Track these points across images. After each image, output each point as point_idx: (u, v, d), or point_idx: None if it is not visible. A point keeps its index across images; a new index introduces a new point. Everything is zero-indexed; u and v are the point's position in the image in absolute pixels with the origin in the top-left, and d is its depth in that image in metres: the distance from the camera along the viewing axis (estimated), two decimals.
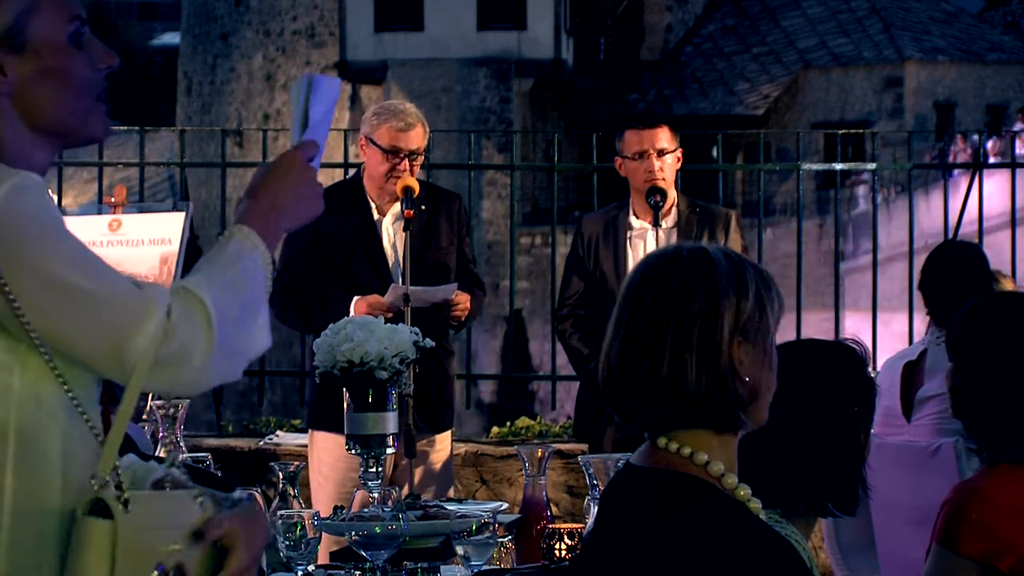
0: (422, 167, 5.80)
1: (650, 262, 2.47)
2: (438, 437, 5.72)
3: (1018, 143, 18.75)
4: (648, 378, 2.40)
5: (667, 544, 2.36)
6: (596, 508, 3.68)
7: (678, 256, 2.45)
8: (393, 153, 5.60)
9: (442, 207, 5.76)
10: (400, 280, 5.56)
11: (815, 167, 9.63)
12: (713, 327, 2.39)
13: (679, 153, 6.05)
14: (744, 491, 2.43)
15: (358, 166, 6.02)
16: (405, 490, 4.94)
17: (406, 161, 5.60)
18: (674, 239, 5.92)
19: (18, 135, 2.34)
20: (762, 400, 2.45)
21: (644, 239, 5.97)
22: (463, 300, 5.60)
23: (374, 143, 5.63)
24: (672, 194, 6.01)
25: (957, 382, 3.41)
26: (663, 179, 5.92)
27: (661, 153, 5.94)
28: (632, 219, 6.03)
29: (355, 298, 5.53)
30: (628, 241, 6.01)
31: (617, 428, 5.82)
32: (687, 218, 6.01)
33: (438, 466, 5.72)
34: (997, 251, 7.41)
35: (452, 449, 5.89)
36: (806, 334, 8.52)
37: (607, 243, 6.02)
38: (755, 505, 2.44)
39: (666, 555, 2.35)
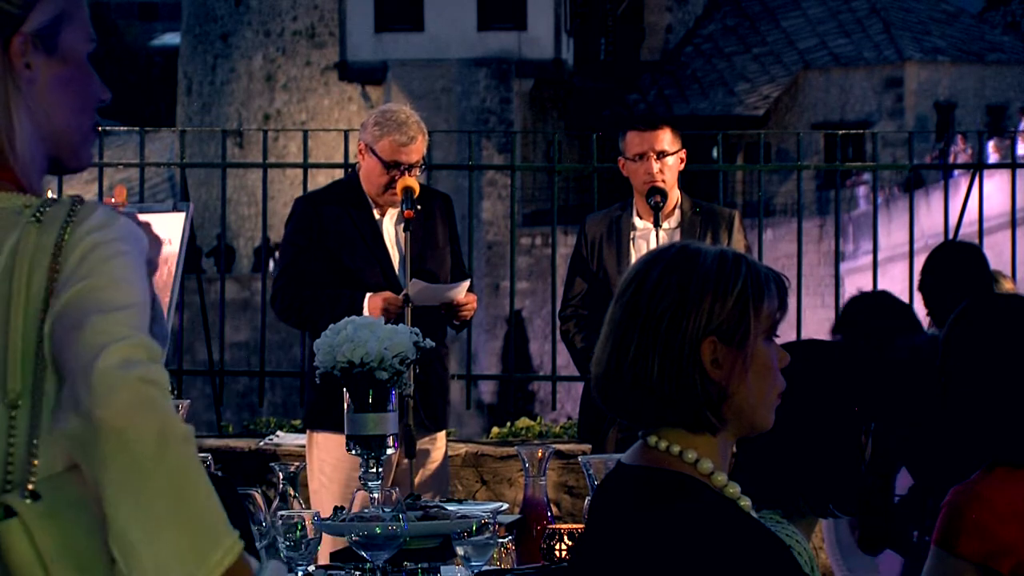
0: (422, 169, 5.80)
1: (640, 260, 2.49)
2: (438, 436, 5.73)
3: (1020, 143, 18.74)
4: (616, 374, 2.41)
5: (658, 541, 2.36)
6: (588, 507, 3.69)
7: (664, 254, 2.46)
8: (394, 167, 5.60)
9: (436, 208, 5.77)
10: (403, 280, 5.56)
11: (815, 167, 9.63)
12: (678, 325, 2.39)
13: (682, 154, 6.05)
14: (734, 488, 2.43)
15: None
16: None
17: (406, 173, 5.61)
18: (677, 239, 5.92)
19: (30, 144, 2.31)
20: (739, 403, 2.43)
21: (647, 239, 5.97)
22: (471, 300, 5.61)
23: (375, 153, 5.62)
24: (675, 195, 6.02)
25: (947, 384, 3.41)
26: (662, 181, 5.92)
27: (661, 155, 5.94)
28: (635, 219, 6.03)
29: (367, 295, 5.53)
30: (632, 241, 6.01)
31: (620, 429, 5.82)
32: (690, 219, 6.01)
33: (436, 465, 5.72)
34: (997, 251, 7.41)
35: (452, 451, 5.89)
36: (806, 334, 8.53)
37: (610, 243, 6.03)
38: (745, 503, 2.44)
39: (657, 552, 2.36)
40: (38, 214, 2.21)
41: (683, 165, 6.08)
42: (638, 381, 2.40)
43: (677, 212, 6.03)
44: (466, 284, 5.60)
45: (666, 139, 5.97)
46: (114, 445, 2.00)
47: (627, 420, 2.48)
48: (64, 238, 2.15)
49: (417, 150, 5.64)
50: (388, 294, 5.50)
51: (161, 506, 2.01)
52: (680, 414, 2.41)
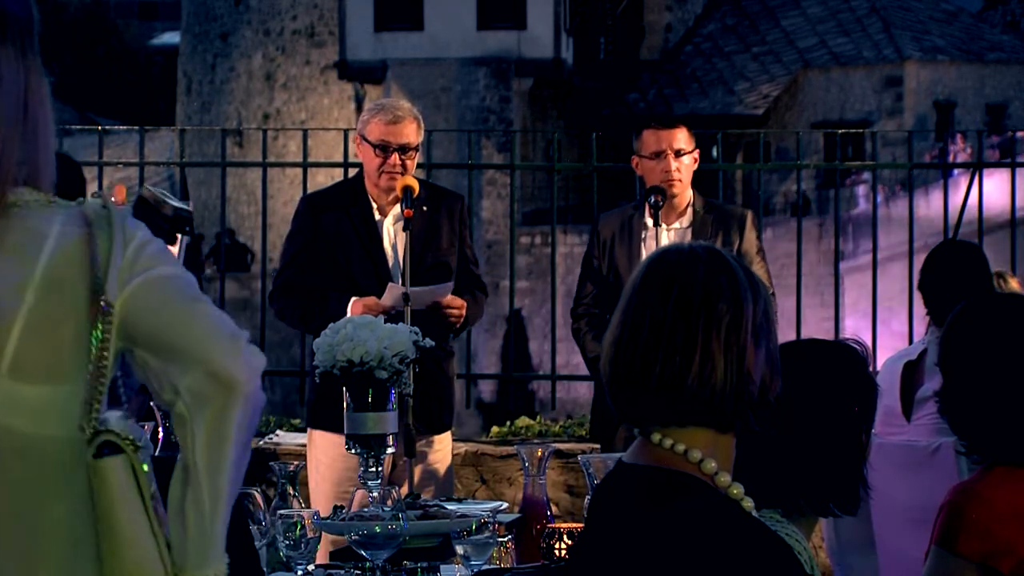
0: (421, 166, 5.79)
1: (668, 258, 2.45)
2: (437, 438, 5.72)
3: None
4: (673, 376, 2.38)
5: (659, 541, 2.36)
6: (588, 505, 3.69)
7: (696, 254, 2.44)
8: (383, 148, 5.59)
9: (444, 207, 5.75)
10: (400, 280, 5.55)
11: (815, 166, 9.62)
12: (738, 328, 2.39)
13: (696, 154, 6.06)
14: (737, 489, 2.43)
15: (358, 165, 6.03)
16: (404, 489, 4.94)
17: (396, 155, 5.59)
18: (689, 239, 5.91)
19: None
20: (768, 402, 2.45)
21: (659, 240, 5.96)
22: (458, 304, 5.59)
23: (366, 140, 5.64)
24: (688, 194, 6.03)
25: (946, 383, 3.41)
26: (679, 180, 5.94)
27: (679, 154, 5.95)
28: (647, 219, 6.02)
29: (352, 299, 5.53)
30: (643, 241, 6.01)
31: (629, 428, 5.81)
32: (702, 218, 6.01)
33: (438, 467, 5.71)
34: (997, 251, 7.41)
35: (452, 451, 5.88)
36: (806, 334, 8.53)
37: (623, 243, 6.03)
38: (748, 504, 2.44)
39: (658, 552, 2.35)
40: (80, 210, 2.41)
41: (696, 164, 6.08)
42: (703, 385, 2.38)
43: (689, 211, 6.03)
44: (450, 286, 5.59)
45: (682, 138, 5.99)
46: (243, 402, 2.40)
47: (630, 417, 2.46)
48: (112, 233, 2.40)
49: (406, 131, 5.62)
50: (371, 299, 5.49)
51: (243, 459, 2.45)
52: (723, 415, 2.41)
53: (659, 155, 5.94)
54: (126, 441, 2.39)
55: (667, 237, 5.91)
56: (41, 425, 2.36)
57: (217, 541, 2.42)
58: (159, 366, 2.40)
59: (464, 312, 5.63)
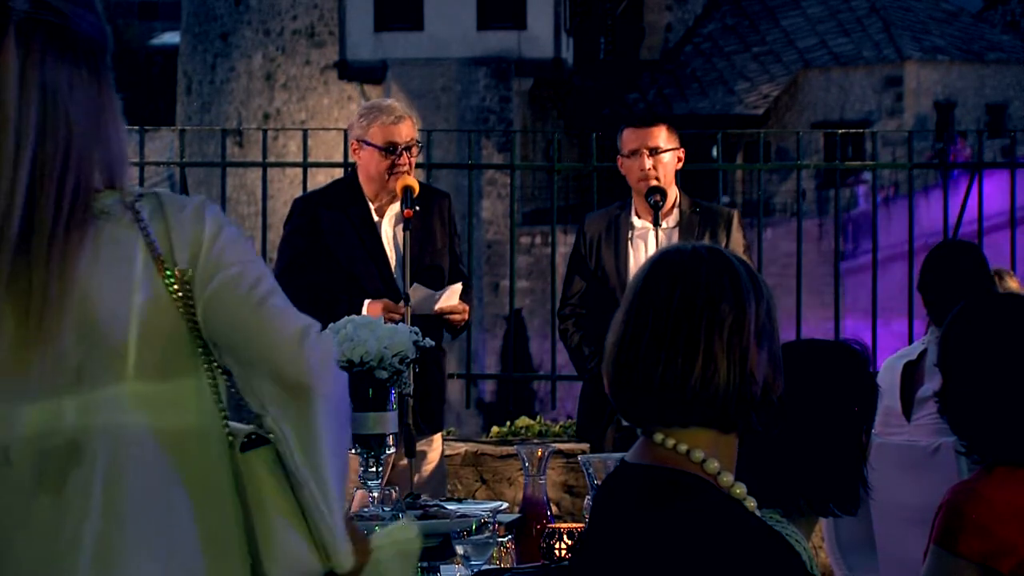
0: (421, 166, 5.80)
1: (670, 259, 2.45)
2: (433, 438, 5.73)
3: None
4: (676, 377, 2.38)
5: (662, 541, 2.36)
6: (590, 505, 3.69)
7: (699, 255, 2.44)
8: (390, 149, 5.60)
9: (435, 207, 5.76)
10: (401, 282, 5.55)
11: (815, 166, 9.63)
12: (741, 328, 2.39)
13: (680, 153, 6.04)
14: (740, 489, 2.43)
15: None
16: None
17: (405, 155, 5.60)
18: (676, 238, 5.91)
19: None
20: (771, 402, 2.45)
21: (646, 239, 5.97)
22: (457, 309, 5.59)
23: (368, 143, 5.63)
24: (673, 193, 6.01)
25: (946, 384, 3.41)
26: (656, 178, 5.92)
27: (655, 151, 5.93)
28: (634, 219, 6.02)
29: (367, 302, 5.52)
30: (630, 241, 6.01)
31: (618, 427, 5.82)
32: (689, 218, 6.01)
33: (432, 467, 5.72)
34: (997, 251, 7.41)
35: (444, 449, 5.90)
36: (806, 334, 8.53)
37: (609, 242, 6.02)
38: (751, 504, 2.44)
39: (661, 552, 2.35)
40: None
41: (681, 164, 6.07)
42: (706, 386, 2.38)
43: (676, 211, 6.02)
44: (457, 288, 5.59)
45: (661, 136, 5.97)
46: (320, 401, 2.44)
47: (632, 417, 2.46)
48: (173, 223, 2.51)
49: (407, 129, 5.64)
50: (387, 302, 5.49)
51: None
52: (725, 416, 2.41)
53: (635, 153, 5.94)
54: (268, 433, 2.46)
55: (654, 236, 5.91)
56: (175, 420, 2.42)
57: (338, 531, 2.46)
58: (240, 372, 2.47)
59: (467, 315, 5.64)
